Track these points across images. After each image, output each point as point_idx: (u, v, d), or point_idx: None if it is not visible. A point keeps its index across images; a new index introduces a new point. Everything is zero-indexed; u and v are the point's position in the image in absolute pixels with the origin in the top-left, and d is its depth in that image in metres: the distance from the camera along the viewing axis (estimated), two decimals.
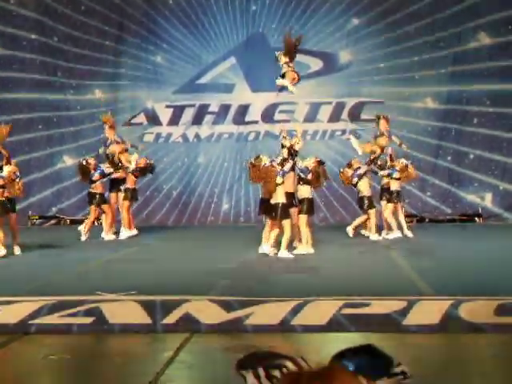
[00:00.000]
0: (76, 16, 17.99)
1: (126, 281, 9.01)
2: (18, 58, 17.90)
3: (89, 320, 6.84)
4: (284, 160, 11.56)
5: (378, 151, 13.58)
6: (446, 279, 8.78)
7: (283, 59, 12.11)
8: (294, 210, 11.51)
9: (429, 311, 6.92)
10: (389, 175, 13.65)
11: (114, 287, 8.21)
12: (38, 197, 17.57)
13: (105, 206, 13.78)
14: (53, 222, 17.71)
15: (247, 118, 18.15)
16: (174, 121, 18.19)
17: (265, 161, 11.28)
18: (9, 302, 7.48)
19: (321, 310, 6.94)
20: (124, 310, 7.20)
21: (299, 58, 17.83)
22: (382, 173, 13.73)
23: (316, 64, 17.97)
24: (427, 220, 17.42)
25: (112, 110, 17.52)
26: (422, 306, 7.09)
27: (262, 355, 2.59)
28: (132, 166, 13.91)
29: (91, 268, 10.54)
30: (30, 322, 6.78)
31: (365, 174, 13.40)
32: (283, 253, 11.13)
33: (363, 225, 13.75)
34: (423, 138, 17.65)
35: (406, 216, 17.51)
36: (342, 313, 6.81)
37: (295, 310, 6.90)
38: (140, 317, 6.92)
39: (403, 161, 13.87)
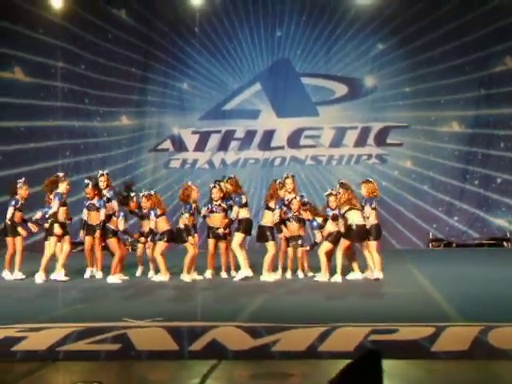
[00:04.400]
0: (103, 44, 18.23)
1: (153, 307, 9.02)
2: (46, 86, 18.15)
3: (116, 347, 6.84)
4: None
5: None
6: (475, 305, 8.70)
7: None
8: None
9: (457, 337, 6.86)
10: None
11: (140, 314, 8.22)
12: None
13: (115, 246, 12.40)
14: (80, 248, 17.77)
15: (273, 144, 18.21)
16: (200, 147, 18.30)
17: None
18: (37, 329, 7.52)
19: (348, 337, 6.89)
20: (151, 337, 7.20)
21: (325, 83, 18.04)
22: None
23: (341, 89, 18.04)
24: (455, 245, 17.31)
25: (139, 136, 17.79)
26: (451, 332, 7.02)
27: None
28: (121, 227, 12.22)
29: (117, 295, 10.56)
30: (58, 349, 6.80)
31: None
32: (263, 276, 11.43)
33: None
34: (450, 162, 17.58)
35: (434, 240, 17.47)
36: (369, 339, 6.76)
37: (322, 337, 6.86)
38: (167, 343, 6.91)
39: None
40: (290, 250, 12.01)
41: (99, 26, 18.18)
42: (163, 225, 11.82)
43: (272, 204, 11.59)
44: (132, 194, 12.35)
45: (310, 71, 18.12)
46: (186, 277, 11.73)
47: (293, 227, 11.92)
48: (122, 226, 11.94)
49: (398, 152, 17.92)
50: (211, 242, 12.12)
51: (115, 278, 11.78)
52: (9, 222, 12.17)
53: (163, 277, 11.76)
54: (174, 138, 18.48)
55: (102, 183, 12.16)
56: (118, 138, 18.42)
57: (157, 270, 12.02)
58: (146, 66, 18.43)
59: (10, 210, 12.15)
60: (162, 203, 12.12)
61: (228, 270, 12.21)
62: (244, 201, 11.81)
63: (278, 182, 11.86)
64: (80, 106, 18.41)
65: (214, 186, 12.18)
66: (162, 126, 18.55)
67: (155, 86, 18.46)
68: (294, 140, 18.19)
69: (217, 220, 12.06)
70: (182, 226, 11.84)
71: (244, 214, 11.76)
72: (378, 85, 17.99)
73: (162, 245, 11.80)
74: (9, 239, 12.20)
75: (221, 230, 11.96)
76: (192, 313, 8.30)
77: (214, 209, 12.06)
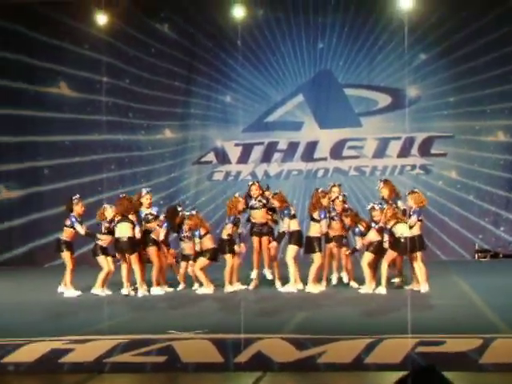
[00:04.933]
0: (147, 58, 18.38)
1: (197, 319, 9.04)
2: (91, 101, 18.33)
3: (162, 359, 6.86)
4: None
5: None
6: None
7: None
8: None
9: (506, 349, 6.75)
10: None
11: (185, 326, 8.24)
12: None
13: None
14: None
15: (316, 155, 18.16)
16: (243, 159, 18.33)
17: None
18: (84, 341, 7.57)
19: (395, 349, 6.82)
20: (196, 349, 7.20)
21: (368, 93, 17.96)
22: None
23: (384, 100, 17.93)
24: (501, 255, 17.07)
25: (182, 149, 17.91)
26: (499, 344, 6.91)
27: None
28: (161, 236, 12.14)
29: (161, 306, 10.60)
30: (104, 361, 6.83)
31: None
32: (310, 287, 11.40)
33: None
34: (495, 171, 17.37)
35: (480, 251, 17.24)
36: (416, 351, 6.68)
37: (369, 348, 6.80)
38: (212, 355, 6.91)
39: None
40: (335, 251, 12.06)
41: (143, 41, 18.33)
42: (208, 243, 11.87)
43: (316, 215, 11.56)
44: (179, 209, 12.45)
45: (353, 82, 18.05)
46: (228, 288, 11.73)
47: (336, 226, 11.91)
48: (162, 235, 11.97)
49: (443, 162, 17.74)
50: (255, 239, 12.12)
51: (158, 290, 11.81)
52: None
53: (207, 289, 11.78)
54: (217, 150, 18.54)
55: (146, 201, 12.20)
56: (161, 151, 18.54)
57: (201, 284, 12.03)
58: (189, 79, 18.53)
59: (79, 226, 12.11)
60: (204, 222, 12.14)
61: (270, 267, 12.12)
62: (293, 212, 11.81)
63: (320, 190, 11.82)
64: (124, 120, 18.57)
65: (253, 183, 12.32)
66: (206, 138, 18.62)
67: (198, 99, 18.55)
68: (336, 151, 18.12)
69: (259, 216, 12.08)
70: (225, 237, 11.87)
71: (294, 226, 11.75)
72: (421, 95, 17.85)
73: (203, 261, 11.81)
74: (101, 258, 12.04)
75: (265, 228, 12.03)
76: (237, 324, 8.29)
77: (254, 204, 12.10)
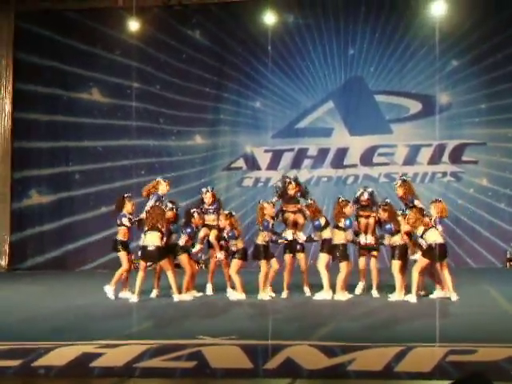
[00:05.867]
0: (177, 64, 18.47)
1: (227, 325, 9.05)
2: (122, 107, 18.46)
3: (191, 364, 6.87)
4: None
5: None
6: None
7: None
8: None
9: None
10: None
11: (215, 331, 8.25)
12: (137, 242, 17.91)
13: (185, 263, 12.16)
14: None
15: (346, 162, 18.11)
16: (273, 165, 18.33)
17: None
18: (114, 346, 7.61)
19: (425, 357, 6.78)
20: (225, 355, 7.22)
21: (398, 100, 17.89)
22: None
23: (415, 106, 17.85)
24: None
25: (212, 155, 17.97)
26: None
27: None
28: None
29: (189, 312, 10.62)
30: (134, 366, 6.86)
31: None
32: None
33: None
34: None
35: (511, 260, 17.08)
36: (447, 360, 6.63)
37: (399, 357, 6.76)
38: (241, 361, 6.92)
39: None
40: (362, 261, 12.01)
41: (174, 47, 18.42)
42: (240, 244, 11.89)
43: (342, 223, 11.59)
44: (192, 211, 12.37)
45: (384, 88, 17.98)
46: (262, 295, 11.73)
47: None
48: (182, 241, 11.98)
49: (474, 169, 17.62)
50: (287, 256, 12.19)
51: (187, 296, 11.84)
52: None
53: (239, 295, 11.78)
54: (246, 156, 18.56)
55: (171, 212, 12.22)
56: (191, 157, 18.60)
57: (233, 287, 12.03)
58: (220, 85, 18.58)
59: (125, 220, 12.02)
60: (238, 225, 12.16)
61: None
62: (323, 223, 11.81)
63: (341, 199, 11.82)
64: (155, 126, 18.67)
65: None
66: (235, 144, 18.65)
67: (228, 105, 18.59)
68: (367, 158, 18.06)
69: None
70: (260, 242, 11.87)
71: (327, 234, 11.76)
72: (452, 102, 17.74)
73: (236, 263, 11.83)
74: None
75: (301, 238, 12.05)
76: (266, 331, 8.28)
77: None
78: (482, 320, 9.26)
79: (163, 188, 12.11)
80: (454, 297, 11.04)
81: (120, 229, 12.20)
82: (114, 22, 18.01)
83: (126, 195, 12.35)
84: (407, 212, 11.45)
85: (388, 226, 11.58)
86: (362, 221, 12.05)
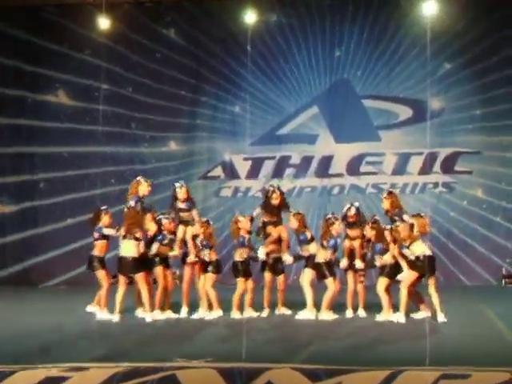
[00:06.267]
0: (150, 65, 18.44)
1: (203, 346, 9.03)
2: (91, 110, 18.38)
3: None
4: None
5: None
6: None
7: None
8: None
9: None
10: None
11: (190, 353, 8.23)
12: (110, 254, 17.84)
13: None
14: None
15: (331, 171, 18.17)
16: (253, 174, 18.36)
17: None
18: (81, 369, 7.57)
19: (416, 382, 6.80)
20: (201, 378, 7.20)
21: (387, 105, 17.97)
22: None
23: (405, 112, 17.96)
24: None
25: (188, 162, 17.93)
26: None
27: None
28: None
29: (163, 332, 10.59)
30: None
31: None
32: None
33: None
34: None
35: (507, 277, 17.18)
36: None
37: (387, 381, 6.78)
38: None
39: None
40: (350, 281, 12.01)
41: (146, 46, 18.39)
42: (212, 254, 11.89)
43: (325, 243, 11.66)
44: (158, 218, 12.21)
45: (372, 93, 18.06)
46: (235, 314, 11.73)
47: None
48: (153, 250, 11.91)
49: (468, 180, 17.72)
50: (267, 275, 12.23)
51: (160, 314, 11.77)
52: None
53: (216, 312, 11.77)
54: (225, 164, 18.57)
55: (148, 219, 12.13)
56: (165, 165, 18.56)
57: (210, 306, 11.99)
58: (196, 87, 18.58)
59: (109, 230, 11.93)
60: (213, 235, 12.15)
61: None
62: (309, 237, 11.86)
63: (327, 217, 11.85)
64: (126, 131, 18.63)
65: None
66: (213, 151, 18.65)
67: (205, 110, 18.60)
68: (353, 167, 18.12)
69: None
70: (237, 259, 11.88)
71: (312, 249, 11.80)
72: (445, 107, 17.84)
73: (211, 277, 11.83)
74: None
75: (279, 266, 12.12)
76: (246, 353, 8.28)
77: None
78: (476, 342, 9.30)
79: (144, 189, 12.03)
80: (442, 318, 11.06)
81: (97, 243, 12.13)
82: (83, 19, 17.95)
83: (102, 208, 12.27)
84: (396, 224, 11.47)
85: (378, 247, 11.60)
86: (347, 244, 12.01)
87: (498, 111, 17.44)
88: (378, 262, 11.63)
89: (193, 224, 12.11)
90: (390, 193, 11.96)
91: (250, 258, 11.94)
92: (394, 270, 11.40)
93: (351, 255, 11.95)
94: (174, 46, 18.47)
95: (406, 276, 11.20)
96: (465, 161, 17.66)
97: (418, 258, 11.14)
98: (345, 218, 12.07)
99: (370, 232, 11.70)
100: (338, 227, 11.76)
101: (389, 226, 11.70)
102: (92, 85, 18.33)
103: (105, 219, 12.09)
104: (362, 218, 12.14)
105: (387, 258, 11.47)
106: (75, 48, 18.38)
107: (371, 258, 11.76)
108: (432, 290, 11.26)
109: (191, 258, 11.98)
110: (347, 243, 12.03)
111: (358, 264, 11.83)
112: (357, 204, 12.26)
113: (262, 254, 11.99)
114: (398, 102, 17.94)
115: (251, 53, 18.00)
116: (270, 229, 12.17)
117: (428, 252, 11.21)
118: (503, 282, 17.16)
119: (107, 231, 11.96)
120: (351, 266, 11.97)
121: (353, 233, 12.00)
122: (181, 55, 18.40)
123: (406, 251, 11.26)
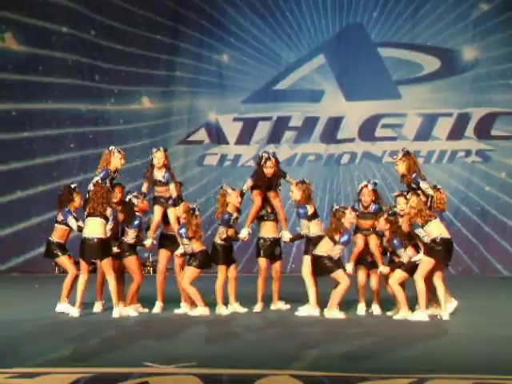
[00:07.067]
0: (119, 3, 18.39)
1: (183, 349, 9.08)
2: (45, 58, 18.37)
3: None
4: None
5: None
6: None
7: None
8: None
9: None
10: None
11: (166, 357, 8.28)
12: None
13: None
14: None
15: (340, 135, 18.22)
16: (245, 139, 18.40)
17: None
18: (34, 375, 7.60)
19: None
20: None
21: (410, 55, 17.97)
22: None
23: (432, 64, 18.00)
24: None
25: (164, 124, 17.90)
26: None
27: None
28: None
29: (134, 331, 10.64)
30: None
31: None
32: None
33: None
34: None
35: None
36: None
37: None
38: None
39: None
40: (361, 275, 12.03)
41: None
42: (197, 245, 11.86)
43: (337, 237, 11.55)
44: (128, 198, 12.27)
45: (390, 40, 18.09)
46: (221, 309, 11.79)
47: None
48: (130, 238, 11.96)
49: (507, 147, 17.79)
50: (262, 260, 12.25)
51: (131, 310, 11.84)
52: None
53: (202, 309, 11.82)
54: (210, 126, 18.58)
55: (116, 195, 12.15)
56: (137, 126, 18.58)
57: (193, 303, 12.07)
58: (175, 31, 18.56)
59: (72, 221, 11.92)
60: (197, 224, 12.13)
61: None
62: (310, 211, 11.79)
63: (335, 208, 11.72)
64: (88, 84, 18.62)
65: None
66: (195, 110, 18.67)
67: (186, 59, 18.60)
68: (367, 130, 18.16)
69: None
70: (218, 241, 11.89)
71: (315, 229, 11.76)
72: (480, 58, 17.88)
73: (192, 271, 11.82)
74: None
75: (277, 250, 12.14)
76: (234, 356, 8.33)
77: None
78: None
79: (116, 161, 12.05)
80: (446, 315, 11.11)
81: (58, 227, 12.16)
82: None
83: (73, 185, 12.29)
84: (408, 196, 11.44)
85: (396, 243, 11.52)
86: (360, 240, 11.91)
87: None
88: (405, 258, 11.51)
89: (173, 204, 12.07)
90: (406, 153, 11.77)
91: (231, 239, 11.95)
92: (414, 264, 11.35)
93: (363, 254, 11.88)
94: None
95: (421, 264, 11.19)
96: (504, 124, 17.73)
97: (434, 240, 11.11)
98: (358, 202, 11.95)
99: (383, 225, 11.60)
100: (351, 217, 11.61)
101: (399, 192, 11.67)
102: (46, 27, 18.28)
103: (76, 201, 12.13)
104: (381, 202, 12.05)
105: (409, 253, 11.43)
106: None
107: (391, 258, 11.73)
108: (438, 280, 11.27)
109: (180, 250, 12.01)
110: (360, 239, 11.91)
111: (382, 269, 11.69)
112: (375, 182, 12.12)
113: (244, 233, 12.02)
114: (422, 51, 17.96)
115: None
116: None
117: (446, 234, 11.17)
118: None
119: (72, 223, 11.99)
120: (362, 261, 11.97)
121: (366, 223, 11.91)
122: None
123: (419, 231, 11.20)
